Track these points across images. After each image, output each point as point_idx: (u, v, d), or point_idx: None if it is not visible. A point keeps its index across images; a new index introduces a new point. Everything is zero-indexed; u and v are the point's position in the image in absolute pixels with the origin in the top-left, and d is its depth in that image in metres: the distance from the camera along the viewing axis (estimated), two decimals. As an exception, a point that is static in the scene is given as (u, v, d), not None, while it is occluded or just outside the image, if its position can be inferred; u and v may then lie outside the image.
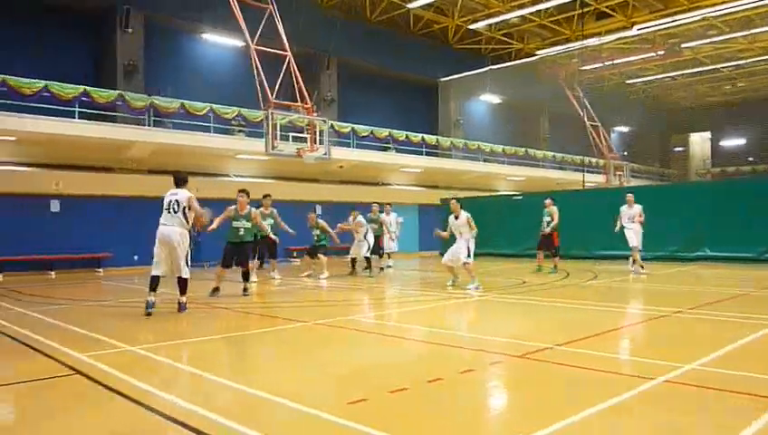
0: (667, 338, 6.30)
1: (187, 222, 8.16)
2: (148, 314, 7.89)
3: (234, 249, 10.17)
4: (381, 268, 15.31)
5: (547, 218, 13.84)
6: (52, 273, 15.83)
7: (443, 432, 3.47)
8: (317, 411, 3.73)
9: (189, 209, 8.15)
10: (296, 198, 19.81)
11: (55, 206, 16.32)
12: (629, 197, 13.24)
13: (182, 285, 8.32)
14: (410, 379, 4.64)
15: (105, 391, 4.33)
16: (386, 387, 4.30)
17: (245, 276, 10.37)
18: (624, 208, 13.15)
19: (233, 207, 10.27)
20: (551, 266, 13.92)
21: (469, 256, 10.53)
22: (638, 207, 13.02)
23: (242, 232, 10.15)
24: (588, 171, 29.83)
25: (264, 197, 13.30)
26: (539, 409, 3.86)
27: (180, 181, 8.41)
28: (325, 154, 16.93)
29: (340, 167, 21.89)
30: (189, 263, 8.33)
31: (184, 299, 8.38)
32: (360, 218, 14.21)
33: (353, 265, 14.52)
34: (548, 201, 14.09)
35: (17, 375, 4.95)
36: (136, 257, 16.84)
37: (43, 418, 3.83)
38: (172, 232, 8.06)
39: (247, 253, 10.44)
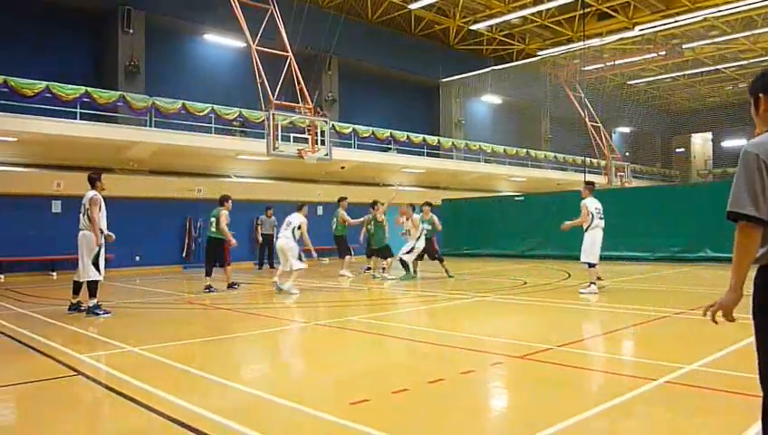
0: (667, 339, 6.29)
1: (90, 222, 8.03)
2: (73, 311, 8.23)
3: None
4: (383, 269, 15.29)
5: (428, 226, 12.96)
6: (54, 273, 15.83)
7: (444, 433, 3.47)
8: (318, 412, 3.73)
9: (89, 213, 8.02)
10: (298, 198, 19.76)
11: (57, 206, 16.30)
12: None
13: (88, 288, 8.04)
14: (412, 380, 4.64)
15: (105, 392, 4.34)
16: (387, 388, 4.30)
17: (209, 273, 11.10)
18: None
19: (225, 212, 10.99)
20: (443, 270, 13.05)
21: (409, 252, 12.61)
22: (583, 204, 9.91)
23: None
24: (589, 172, 29.77)
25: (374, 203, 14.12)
26: (540, 409, 3.86)
27: (90, 180, 8.36)
28: (327, 155, 16.90)
29: (342, 168, 21.87)
30: (101, 265, 8.15)
31: (92, 303, 8.04)
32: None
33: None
34: (426, 208, 13.19)
35: (18, 376, 4.95)
36: (138, 258, 16.85)
37: (44, 418, 3.83)
38: (80, 235, 8.16)
39: None
